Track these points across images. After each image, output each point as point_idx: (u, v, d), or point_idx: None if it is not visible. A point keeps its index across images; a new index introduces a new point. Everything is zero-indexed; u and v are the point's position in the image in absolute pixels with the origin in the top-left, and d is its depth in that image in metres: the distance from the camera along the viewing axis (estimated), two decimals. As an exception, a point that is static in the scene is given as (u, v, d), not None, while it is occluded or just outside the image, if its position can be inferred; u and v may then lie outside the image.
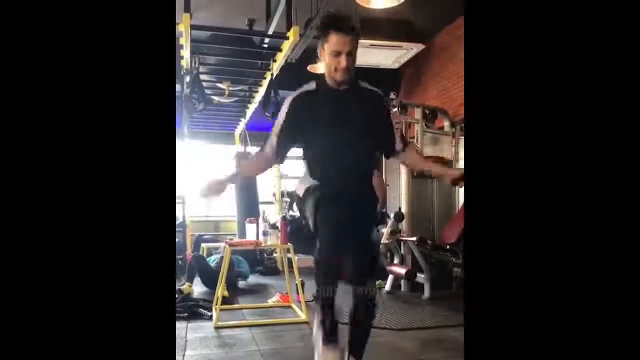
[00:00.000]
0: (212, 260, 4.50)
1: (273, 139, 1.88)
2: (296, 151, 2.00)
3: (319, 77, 1.90)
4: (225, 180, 1.89)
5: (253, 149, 6.22)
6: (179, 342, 2.79)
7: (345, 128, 1.82)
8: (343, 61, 1.75)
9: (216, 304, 3.37)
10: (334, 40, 1.74)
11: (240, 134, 6.56)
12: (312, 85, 1.89)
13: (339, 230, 1.77)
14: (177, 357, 2.52)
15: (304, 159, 1.93)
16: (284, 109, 1.87)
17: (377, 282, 4.60)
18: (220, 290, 3.44)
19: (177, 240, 6.15)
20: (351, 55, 1.76)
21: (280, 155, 1.91)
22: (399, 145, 1.96)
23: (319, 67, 4.24)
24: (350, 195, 1.82)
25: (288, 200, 6.10)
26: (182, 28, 3.12)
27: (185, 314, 3.36)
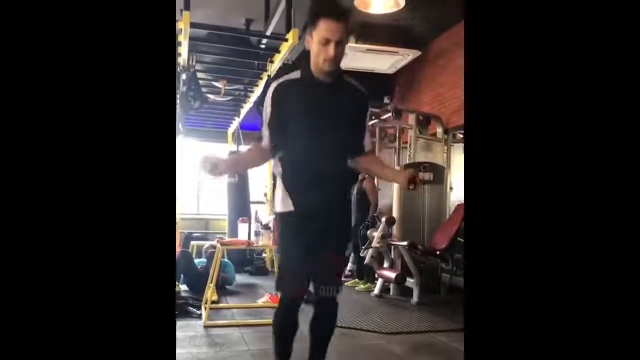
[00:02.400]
0: (197, 264, 4.44)
1: (265, 130, 1.80)
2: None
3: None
4: (226, 163, 1.83)
5: (246, 148, 6.20)
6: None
7: (325, 121, 1.73)
8: (331, 50, 1.63)
9: (205, 303, 3.36)
10: (323, 27, 1.62)
11: (233, 132, 6.55)
12: (296, 74, 1.78)
13: (312, 216, 1.74)
14: (166, 355, 2.51)
15: (279, 155, 1.81)
16: (268, 96, 1.78)
17: (365, 285, 4.66)
18: (210, 293, 3.41)
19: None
20: (341, 44, 1.65)
21: (277, 149, 1.80)
22: (365, 148, 1.87)
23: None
24: (326, 201, 1.75)
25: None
26: (182, 25, 3.12)
27: (175, 312, 3.35)
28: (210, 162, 1.74)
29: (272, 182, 6.34)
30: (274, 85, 1.78)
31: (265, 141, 1.80)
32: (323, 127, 1.73)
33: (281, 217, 1.82)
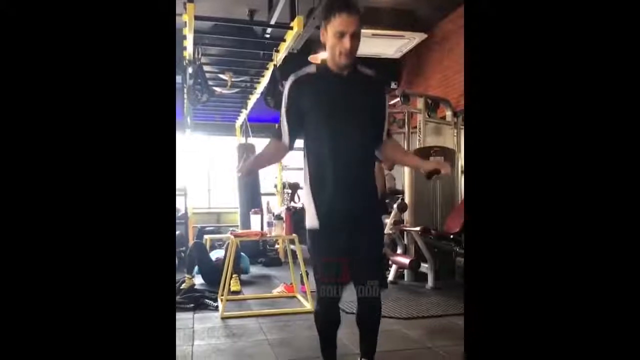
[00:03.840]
0: (214, 257, 4.46)
1: (284, 126, 1.83)
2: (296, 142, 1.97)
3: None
4: (249, 164, 1.90)
5: (254, 140, 6.21)
6: (186, 332, 2.81)
7: (347, 115, 1.75)
8: (347, 43, 1.67)
9: (222, 295, 3.39)
10: (338, 21, 1.66)
11: (241, 125, 6.54)
12: (312, 68, 1.82)
13: (339, 229, 1.75)
14: (186, 347, 2.54)
15: (304, 147, 1.86)
16: (286, 92, 1.81)
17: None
18: (231, 283, 3.44)
19: (179, 232, 6.16)
20: (356, 37, 1.69)
21: (292, 141, 1.85)
22: (385, 136, 1.89)
23: (320, 57, 4.22)
24: (352, 191, 1.76)
25: (290, 191, 6.10)
26: (186, 18, 3.11)
27: (191, 305, 3.38)
28: (247, 167, 1.87)
29: (280, 174, 6.35)
30: (291, 80, 1.81)
31: (285, 137, 1.83)
32: (344, 120, 1.75)
33: (309, 232, 1.84)
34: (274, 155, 1.94)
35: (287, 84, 1.81)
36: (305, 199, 1.85)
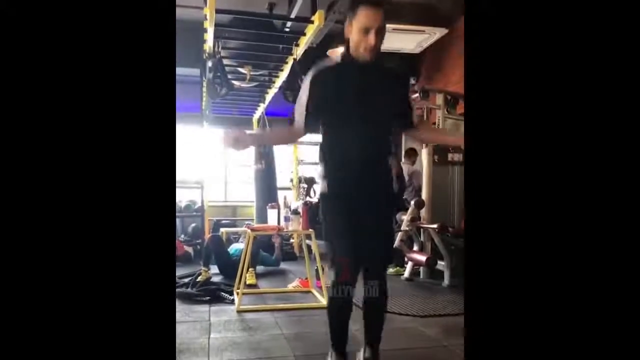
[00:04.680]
0: (234, 251, 4.48)
1: (300, 119, 1.83)
2: (310, 137, 1.97)
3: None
4: (251, 138, 1.89)
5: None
6: (203, 325, 2.83)
7: (369, 101, 1.76)
8: (372, 38, 1.66)
9: (238, 288, 3.40)
10: (363, 15, 1.66)
11: (258, 119, 6.55)
12: (334, 60, 1.84)
13: (354, 220, 1.75)
14: (202, 339, 2.55)
15: (322, 135, 1.87)
16: (306, 86, 1.81)
17: (395, 269, 4.63)
18: (247, 276, 3.45)
19: (194, 225, 6.20)
20: (380, 32, 1.69)
21: (309, 129, 1.86)
22: (413, 122, 1.93)
23: (339, 52, 4.20)
24: (367, 179, 1.78)
25: (306, 185, 6.10)
26: (207, 11, 3.11)
27: (208, 298, 3.40)
28: (232, 136, 1.77)
29: (296, 168, 6.34)
30: (313, 72, 1.80)
31: (299, 124, 1.83)
32: (364, 106, 1.75)
33: (323, 199, 1.86)
34: (285, 137, 2.03)
35: (309, 75, 1.81)
36: (320, 179, 1.87)
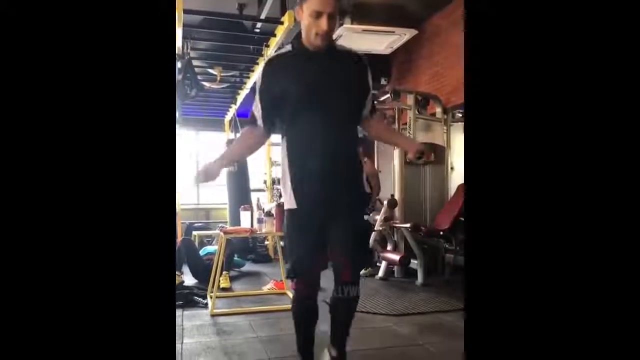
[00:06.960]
0: (206, 253, 4.42)
1: (258, 109, 1.73)
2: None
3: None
4: (219, 164, 1.76)
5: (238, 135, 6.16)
6: (176, 330, 2.78)
7: (325, 93, 1.65)
8: (324, 24, 1.57)
9: (211, 292, 3.35)
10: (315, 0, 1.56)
11: (230, 120, 6.49)
12: (287, 48, 1.73)
13: (322, 233, 1.69)
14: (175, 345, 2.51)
15: (281, 130, 1.75)
16: (259, 74, 1.72)
17: (367, 270, 4.63)
18: (221, 280, 3.41)
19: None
20: (333, 17, 1.59)
21: (268, 126, 1.75)
22: (367, 112, 1.81)
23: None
24: (336, 175, 1.67)
25: (279, 187, 6.06)
26: (175, 12, 3.06)
27: (180, 302, 3.34)
28: (201, 171, 1.73)
29: (270, 169, 6.31)
30: (263, 62, 1.72)
31: (260, 122, 1.74)
32: (323, 96, 1.65)
33: (288, 213, 1.76)
34: (250, 144, 1.82)
35: (261, 66, 1.73)
36: (283, 183, 1.76)
